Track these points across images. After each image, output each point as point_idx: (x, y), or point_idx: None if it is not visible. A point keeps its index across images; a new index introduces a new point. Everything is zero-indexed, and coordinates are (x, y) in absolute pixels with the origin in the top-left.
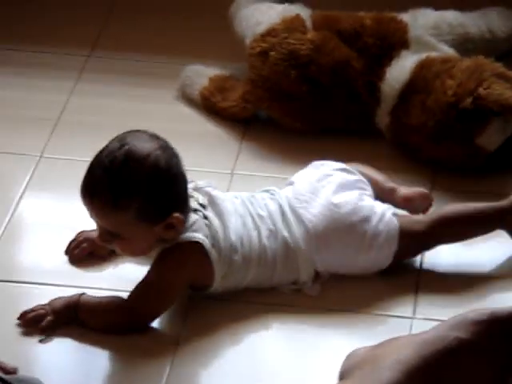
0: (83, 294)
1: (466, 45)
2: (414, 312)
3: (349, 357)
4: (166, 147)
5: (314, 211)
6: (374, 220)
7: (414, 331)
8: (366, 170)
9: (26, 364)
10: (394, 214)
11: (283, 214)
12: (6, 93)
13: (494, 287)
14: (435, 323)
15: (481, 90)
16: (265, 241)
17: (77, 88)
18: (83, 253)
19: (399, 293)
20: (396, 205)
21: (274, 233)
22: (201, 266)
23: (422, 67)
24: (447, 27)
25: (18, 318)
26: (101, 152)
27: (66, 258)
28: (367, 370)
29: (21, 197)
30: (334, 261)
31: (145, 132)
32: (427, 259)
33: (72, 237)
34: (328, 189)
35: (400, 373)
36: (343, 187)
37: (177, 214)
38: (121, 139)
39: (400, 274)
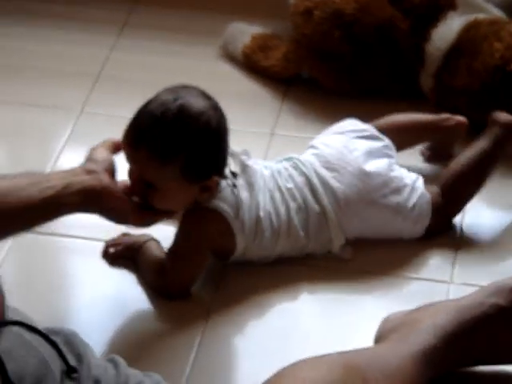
0: (152, 239)
1: None
2: (452, 277)
3: (385, 321)
4: (216, 107)
5: (345, 180)
6: (406, 192)
7: (451, 296)
8: (403, 117)
9: (64, 317)
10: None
11: (312, 186)
12: (47, 47)
13: None
14: (473, 289)
15: None
16: (293, 214)
17: (118, 43)
18: (118, 254)
19: (437, 257)
20: (444, 132)
21: (302, 207)
22: (222, 234)
23: (469, 29)
24: None
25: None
26: (151, 102)
27: None
28: (403, 333)
29: (61, 150)
30: (365, 229)
31: (196, 89)
32: (467, 224)
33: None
34: (357, 156)
35: (436, 337)
36: (371, 155)
37: (216, 178)
38: (174, 92)
39: (438, 238)
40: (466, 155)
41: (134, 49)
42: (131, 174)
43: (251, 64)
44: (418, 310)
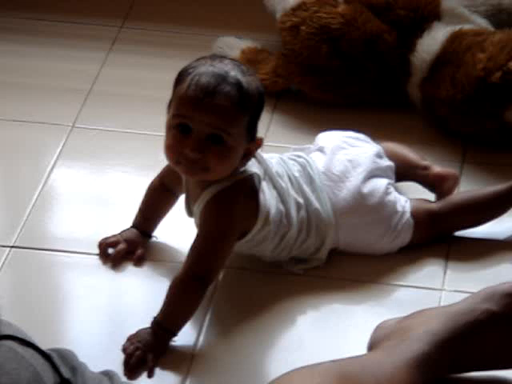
0: (154, 317)
1: (499, 16)
2: (443, 284)
3: (378, 328)
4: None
5: (341, 194)
6: (395, 219)
7: (443, 303)
8: (400, 148)
9: (58, 331)
10: (410, 200)
11: (313, 187)
12: (38, 62)
13: None
14: (465, 295)
15: (511, 65)
16: (297, 212)
17: (109, 59)
18: (121, 253)
19: (429, 265)
20: (426, 181)
21: (302, 205)
22: (249, 202)
23: (454, 40)
24: None
25: (124, 372)
26: (200, 66)
27: (95, 227)
28: (396, 341)
29: (53, 166)
30: (352, 240)
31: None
32: (458, 232)
33: (103, 213)
34: (358, 174)
35: (429, 344)
36: (373, 174)
37: (258, 142)
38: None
39: (429, 246)
40: (479, 190)
41: (124, 64)
42: (196, 132)
43: None
44: (410, 316)
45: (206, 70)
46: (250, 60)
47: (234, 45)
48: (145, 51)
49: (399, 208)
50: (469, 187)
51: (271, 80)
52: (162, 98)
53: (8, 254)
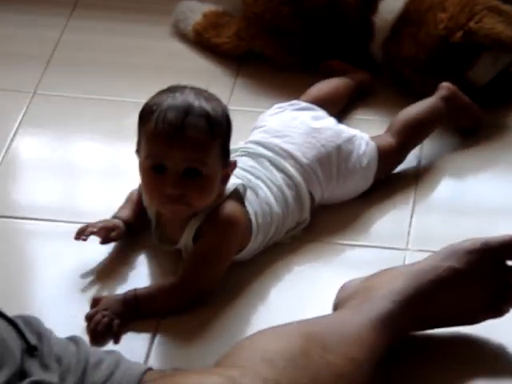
0: (135, 289)
1: None
2: (408, 244)
3: (342, 288)
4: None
5: (297, 141)
6: (356, 141)
7: (407, 263)
8: (324, 86)
9: (25, 298)
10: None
11: (269, 160)
12: None
13: (487, 218)
14: (429, 254)
15: (472, 24)
16: (276, 200)
17: (69, 24)
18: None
19: (393, 225)
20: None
21: (274, 188)
22: (244, 235)
23: (415, 0)
24: None
25: (90, 339)
26: (163, 103)
27: (60, 194)
28: (361, 300)
29: (15, 133)
30: (327, 188)
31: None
32: (421, 191)
33: (67, 180)
34: (303, 120)
35: (393, 302)
36: (316, 118)
37: (232, 165)
38: (175, 91)
39: (393, 207)
40: (416, 108)
41: (85, 29)
42: (172, 170)
43: (203, 41)
44: (374, 276)
45: (170, 105)
46: (212, 23)
47: (196, 8)
48: (106, 16)
49: (355, 131)
50: (435, 152)
51: (234, 43)
52: (123, 62)
53: None
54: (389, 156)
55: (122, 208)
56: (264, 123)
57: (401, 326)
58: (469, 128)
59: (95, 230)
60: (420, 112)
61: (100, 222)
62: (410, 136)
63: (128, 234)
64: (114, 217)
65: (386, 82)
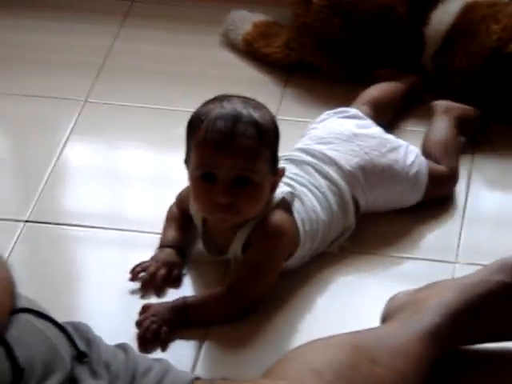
0: (184, 297)
1: None
2: (457, 257)
3: (391, 300)
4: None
5: (341, 149)
6: (402, 151)
7: (456, 276)
8: (377, 90)
9: (73, 305)
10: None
11: (313, 166)
12: (51, 37)
13: None
14: (478, 268)
15: None
16: (316, 206)
17: (121, 33)
18: (162, 279)
19: (442, 237)
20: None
21: (316, 193)
22: (293, 226)
23: (468, 11)
24: None
25: (139, 345)
26: (211, 111)
27: (108, 201)
28: (410, 312)
29: (66, 141)
30: (370, 194)
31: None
32: (471, 204)
33: (116, 188)
34: (348, 128)
35: (442, 316)
36: (361, 126)
37: (280, 174)
38: (223, 100)
39: (443, 219)
40: (438, 128)
41: (136, 38)
42: (222, 178)
43: (252, 51)
44: (423, 288)
45: (219, 114)
46: (261, 33)
47: (246, 18)
48: (157, 25)
49: (402, 142)
50: (485, 164)
51: (283, 53)
52: (174, 71)
53: (22, 228)
54: (443, 179)
55: (167, 231)
56: (310, 130)
57: (448, 339)
58: (474, 132)
59: (158, 282)
60: (444, 137)
61: (156, 264)
62: (455, 160)
63: (181, 257)
64: (163, 245)
65: (436, 93)
